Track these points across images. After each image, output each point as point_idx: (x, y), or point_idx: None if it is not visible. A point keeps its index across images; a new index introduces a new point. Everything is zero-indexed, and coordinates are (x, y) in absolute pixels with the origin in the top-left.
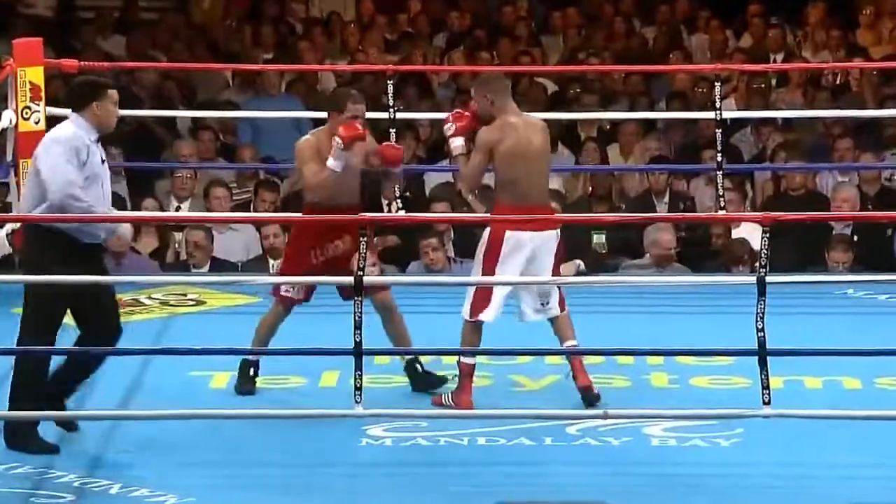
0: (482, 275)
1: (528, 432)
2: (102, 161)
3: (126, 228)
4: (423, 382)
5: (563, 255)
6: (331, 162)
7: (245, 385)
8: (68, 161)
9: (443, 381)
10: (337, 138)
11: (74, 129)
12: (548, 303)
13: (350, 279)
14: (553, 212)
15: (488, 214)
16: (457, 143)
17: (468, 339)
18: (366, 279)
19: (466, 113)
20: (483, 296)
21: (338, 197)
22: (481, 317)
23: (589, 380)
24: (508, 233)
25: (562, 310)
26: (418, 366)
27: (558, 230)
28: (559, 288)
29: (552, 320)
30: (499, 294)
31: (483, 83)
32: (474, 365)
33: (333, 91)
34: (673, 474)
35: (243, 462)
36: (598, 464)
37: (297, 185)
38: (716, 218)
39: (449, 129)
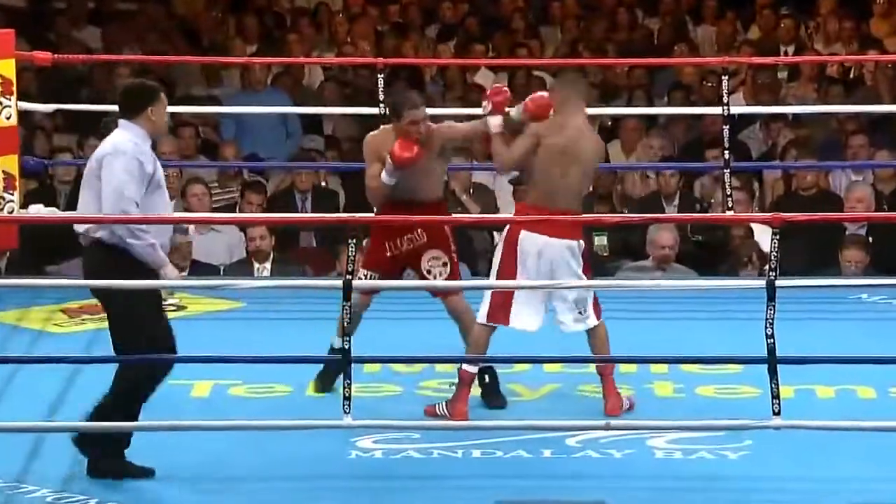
0: (499, 278)
1: (526, 444)
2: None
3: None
4: (490, 396)
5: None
6: (384, 176)
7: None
8: (129, 173)
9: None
10: (389, 158)
11: (132, 136)
12: (585, 311)
13: (341, 282)
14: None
15: (487, 215)
16: (496, 121)
17: (477, 343)
18: (354, 283)
19: (505, 87)
20: (501, 301)
21: (414, 193)
22: (512, 324)
23: (619, 407)
24: (523, 233)
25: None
26: (486, 375)
27: (580, 241)
28: (594, 294)
29: (589, 332)
30: (520, 299)
31: (566, 81)
32: (476, 373)
33: (392, 95)
34: (678, 488)
35: (225, 476)
36: (599, 477)
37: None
38: (722, 219)
39: (486, 107)
